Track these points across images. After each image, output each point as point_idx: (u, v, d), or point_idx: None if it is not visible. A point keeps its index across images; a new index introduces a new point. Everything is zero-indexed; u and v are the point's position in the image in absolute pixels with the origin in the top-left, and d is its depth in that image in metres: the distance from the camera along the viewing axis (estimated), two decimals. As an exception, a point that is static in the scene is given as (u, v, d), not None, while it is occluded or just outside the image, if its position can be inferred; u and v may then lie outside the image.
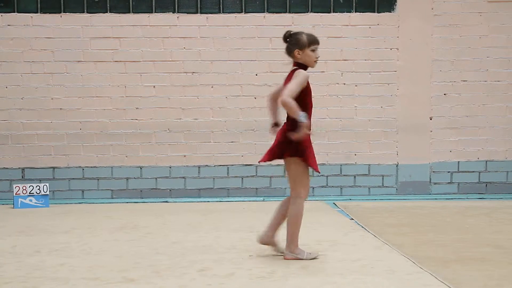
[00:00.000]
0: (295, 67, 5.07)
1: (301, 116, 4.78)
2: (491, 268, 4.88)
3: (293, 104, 4.78)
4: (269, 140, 8.57)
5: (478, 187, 9.01)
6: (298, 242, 5.18)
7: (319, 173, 5.36)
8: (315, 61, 5.08)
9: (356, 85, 8.70)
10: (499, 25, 8.90)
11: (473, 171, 8.99)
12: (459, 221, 7.00)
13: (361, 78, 8.80)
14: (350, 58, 8.77)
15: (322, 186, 8.80)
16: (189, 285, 4.41)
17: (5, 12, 8.57)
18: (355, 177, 8.90)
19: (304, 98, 4.97)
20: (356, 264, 4.98)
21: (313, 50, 5.03)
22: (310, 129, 4.96)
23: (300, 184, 5.10)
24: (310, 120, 4.96)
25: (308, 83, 4.99)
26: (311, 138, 5.07)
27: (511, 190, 9.00)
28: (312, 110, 5.07)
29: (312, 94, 5.08)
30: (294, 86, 4.86)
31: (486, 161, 9.00)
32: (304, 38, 5.03)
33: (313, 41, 5.04)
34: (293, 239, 5.15)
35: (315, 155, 5.11)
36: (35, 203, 8.11)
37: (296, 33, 5.09)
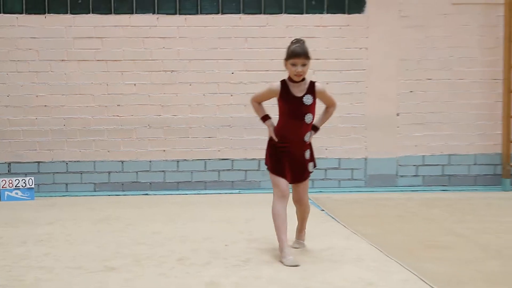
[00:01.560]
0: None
1: (260, 118, 5.05)
2: (453, 255, 5.00)
3: (254, 106, 5.05)
4: (244, 135, 8.86)
5: (441, 180, 9.14)
6: (284, 245, 4.82)
7: (271, 171, 4.99)
8: (295, 75, 4.74)
9: (327, 83, 8.34)
10: (462, 26, 9.02)
11: (437, 165, 9.12)
12: (423, 212, 7.13)
13: (332, 77, 8.84)
14: (322, 57, 8.76)
15: (295, 179, 8.95)
16: (168, 273, 4.47)
17: (-9, 13, 8.58)
18: (326, 170, 8.98)
19: (279, 110, 4.93)
20: (326, 253, 5.07)
21: (292, 64, 4.70)
22: (273, 138, 4.94)
23: (272, 183, 4.97)
24: (281, 131, 4.92)
25: (281, 97, 4.83)
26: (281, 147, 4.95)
27: (472, 182, 9.16)
28: (296, 125, 4.94)
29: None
30: (258, 92, 5.06)
31: (449, 155, 9.13)
32: (287, 50, 4.75)
33: (290, 55, 4.71)
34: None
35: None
36: (21, 196, 8.20)
37: (290, 43, 4.79)
